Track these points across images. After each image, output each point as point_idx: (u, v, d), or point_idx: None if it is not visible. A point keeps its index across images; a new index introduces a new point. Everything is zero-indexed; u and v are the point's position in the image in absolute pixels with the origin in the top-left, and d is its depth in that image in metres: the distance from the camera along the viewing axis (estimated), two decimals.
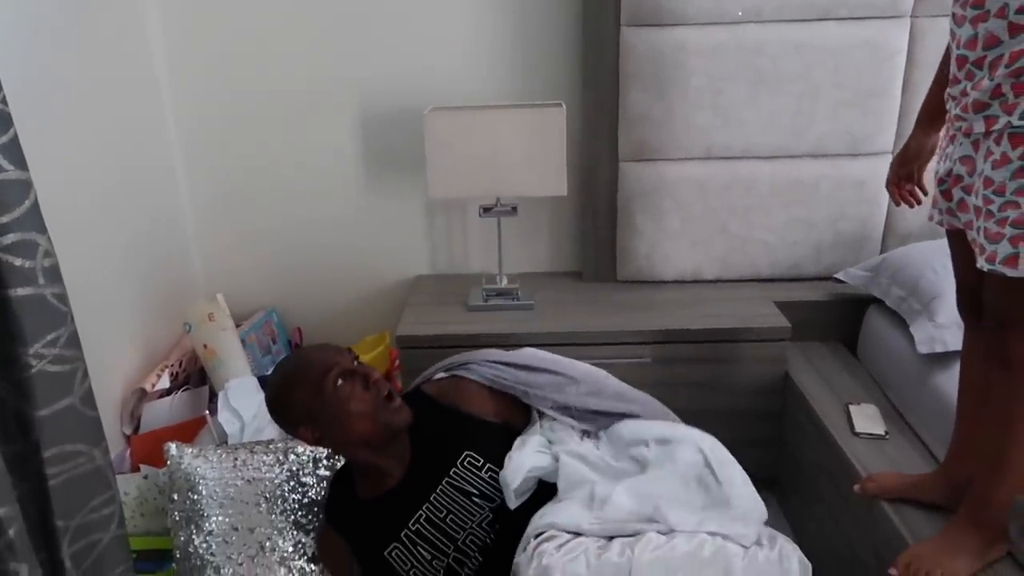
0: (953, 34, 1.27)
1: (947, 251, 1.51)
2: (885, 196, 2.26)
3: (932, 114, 1.46)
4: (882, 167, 2.25)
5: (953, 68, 1.28)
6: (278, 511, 1.59)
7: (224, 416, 1.90)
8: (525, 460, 1.39)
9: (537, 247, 2.50)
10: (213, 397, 2.06)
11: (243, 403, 1.94)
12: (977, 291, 1.39)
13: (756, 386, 2.11)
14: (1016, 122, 1.18)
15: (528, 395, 1.52)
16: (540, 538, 1.25)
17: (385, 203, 2.44)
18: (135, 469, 1.92)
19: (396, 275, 2.52)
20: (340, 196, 2.45)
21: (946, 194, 1.36)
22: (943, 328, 1.83)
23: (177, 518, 1.62)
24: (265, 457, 1.65)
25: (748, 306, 2.19)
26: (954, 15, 1.26)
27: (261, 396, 2.04)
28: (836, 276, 2.27)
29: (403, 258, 2.51)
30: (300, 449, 1.67)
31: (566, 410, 1.50)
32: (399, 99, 2.31)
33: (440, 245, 2.51)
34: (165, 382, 2.10)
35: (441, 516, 1.42)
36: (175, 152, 2.38)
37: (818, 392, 1.99)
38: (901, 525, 1.50)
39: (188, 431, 1.98)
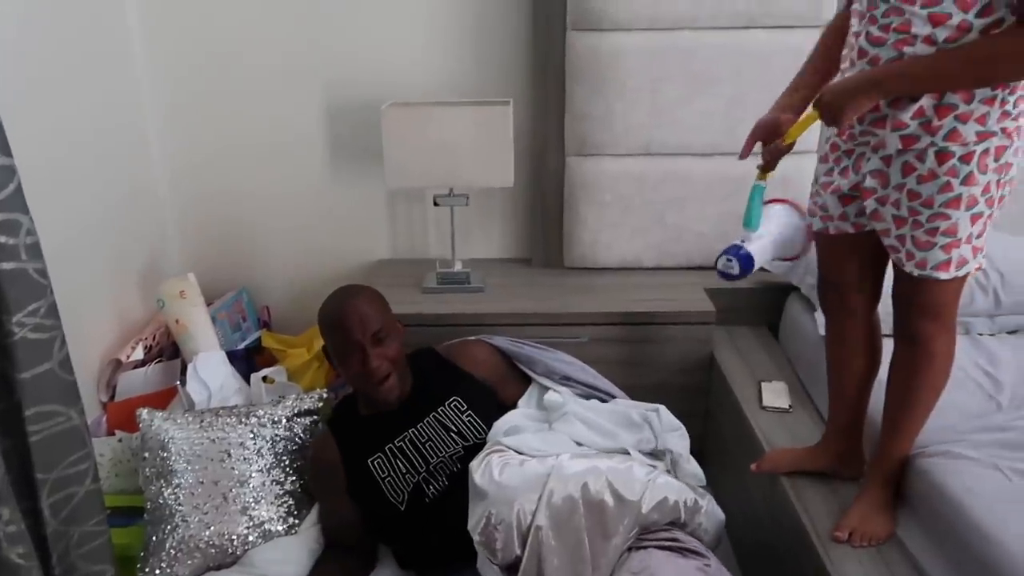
0: (864, 51, 1.34)
1: None
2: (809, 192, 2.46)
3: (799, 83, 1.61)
4: (806, 165, 2.45)
5: None
6: (240, 465, 1.77)
7: (192, 386, 2.07)
8: (514, 419, 1.72)
9: (491, 235, 2.68)
10: (185, 369, 2.22)
11: (211, 374, 2.11)
12: (840, 287, 1.58)
13: (684, 365, 2.29)
14: (940, 143, 1.31)
15: (536, 365, 1.88)
16: (491, 450, 1.58)
17: (349, 191, 2.61)
18: (110, 433, 2.09)
19: (359, 259, 2.69)
20: (308, 184, 2.61)
21: (844, 200, 1.49)
22: None
23: (148, 474, 1.79)
24: (229, 419, 1.83)
25: (680, 292, 2.38)
26: (868, 34, 1.33)
27: (228, 368, 2.21)
28: (762, 265, 2.45)
29: (366, 243, 2.68)
30: (260, 412, 1.85)
31: (567, 380, 1.87)
32: (361, 94, 2.47)
33: (400, 231, 2.68)
34: (139, 354, 2.26)
35: (422, 441, 1.69)
36: (151, 138, 2.52)
37: (737, 371, 2.18)
38: (790, 490, 1.69)
39: (161, 400, 2.14)
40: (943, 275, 1.39)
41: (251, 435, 1.82)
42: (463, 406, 1.74)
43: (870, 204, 1.44)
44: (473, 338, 1.97)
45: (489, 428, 1.70)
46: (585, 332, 2.26)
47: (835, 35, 1.52)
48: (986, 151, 1.31)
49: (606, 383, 1.94)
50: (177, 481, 1.74)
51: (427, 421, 1.72)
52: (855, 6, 1.39)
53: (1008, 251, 2.16)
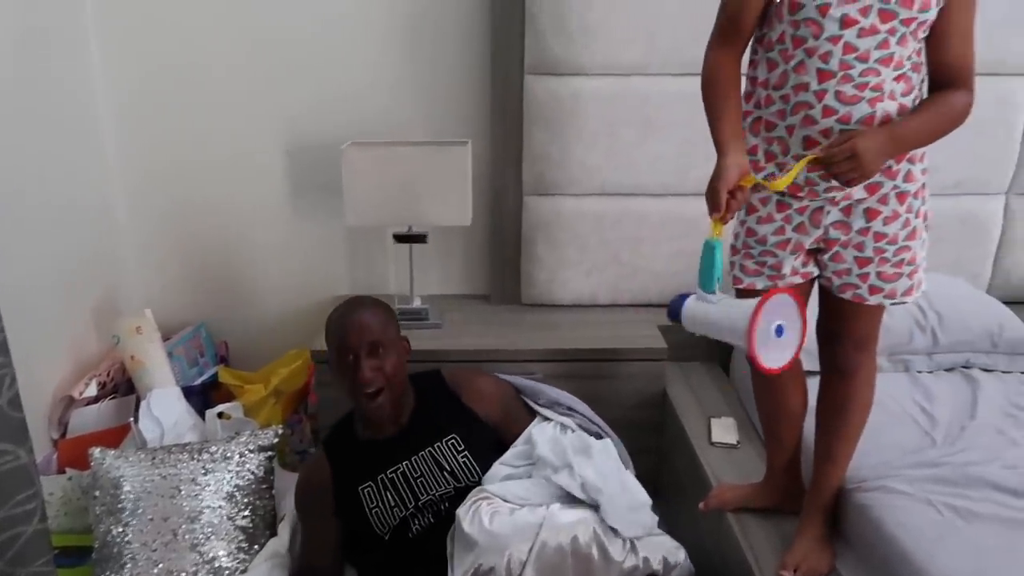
0: (832, 110, 1.36)
1: None
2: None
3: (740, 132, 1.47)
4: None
5: (819, 139, 1.39)
6: (190, 501, 1.77)
7: (145, 424, 2.06)
8: (502, 471, 1.70)
9: (449, 271, 2.72)
10: (139, 405, 2.21)
11: (164, 411, 2.10)
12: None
13: (638, 401, 2.33)
14: (902, 185, 1.43)
15: (540, 396, 1.92)
16: (478, 497, 1.58)
17: (309, 227, 2.63)
18: (61, 471, 2.07)
19: (318, 294, 2.70)
20: (268, 220, 2.63)
21: (806, 256, 1.53)
22: None
23: (98, 512, 1.77)
24: (181, 455, 1.83)
25: (634, 328, 2.43)
26: (840, 92, 1.35)
27: (183, 405, 2.20)
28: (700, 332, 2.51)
29: (325, 279, 2.70)
30: (213, 447, 1.86)
31: (571, 411, 1.91)
32: (321, 132, 2.51)
33: (360, 267, 2.71)
34: (93, 390, 2.24)
35: (414, 476, 1.69)
36: (111, 174, 2.53)
37: (688, 407, 2.23)
38: (735, 525, 1.74)
39: (114, 437, 2.12)
40: (910, 299, 1.52)
41: (203, 471, 1.82)
42: (460, 446, 1.73)
43: (831, 252, 1.51)
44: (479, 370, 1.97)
45: (484, 472, 1.69)
46: (541, 368, 2.29)
47: (736, 80, 1.49)
48: (923, 185, 1.47)
49: (600, 421, 1.96)
50: (126, 519, 1.74)
51: (422, 455, 1.72)
52: (817, 64, 1.36)
53: (946, 292, 2.26)
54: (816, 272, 1.57)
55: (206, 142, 2.53)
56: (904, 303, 1.52)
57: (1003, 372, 2.17)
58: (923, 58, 1.40)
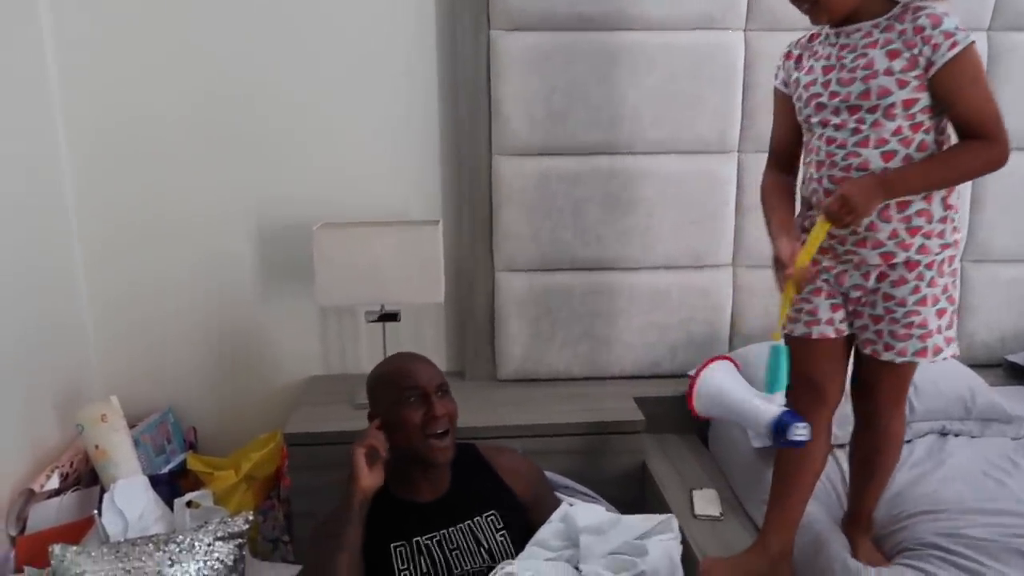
0: (831, 192, 1.58)
1: None
2: (729, 301, 2.59)
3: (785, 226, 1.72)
4: (722, 277, 2.59)
5: None
6: None
7: (108, 517, 1.97)
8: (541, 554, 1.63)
9: (423, 349, 2.62)
10: (104, 497, 2.13)
11: (129, 503, 2.02)
12: (820, 382, 1.73)
13: (617, 475, 2.31)
14: (914, 256, 1.59)
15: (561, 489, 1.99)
16: (502, 571, 1.52)
17: (280, 308, 2.62)
18: (19, 570, 1.97)
19: (290, 375, 2.66)
20: (238, 302, 2.61)
21: (834, 307, 1.70)
22: None
23: None
24: (146, 547, 1.76)
25: (611, 401, 2.42)
26: (831, 177, 1.60)
27: (150, 495, 2.12)
28: (689, 373, 2.53)
29: (297, 359, 2.66)
30: (180, 538, 1.79)
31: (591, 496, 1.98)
32: (292, 214, 2.52)
33: (332, 347, 2.68)
34: (55, 482, 2.16)
35: (450, 547, 1.62)
36: (76, 255, 2.51)
37: (668, 479, 2.21)
38: None
39: (76, 531, 2.03)
40: (922, 360, 1.64)
41: (168, 562, 1.75)
42: (499, 524, 1.67)
43: (852, 308, 1.69)
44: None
45: (517, 554, 1.63)
46: (518, 444, 2.25)
47: (782, 189, 1.78)
48: (943, 259, 1.61)
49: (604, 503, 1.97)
50: None
51: (460, 527, 1.65)
52: (813, 158, 1.66)
53: None
54: (848, 332, 1.71)
55: (173, 222, 2.52)
56: (915, 362, 1.65)
57: (972, 438, 2.21)
58: (914, 132, 1.55)
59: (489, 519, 1.68)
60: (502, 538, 1.66)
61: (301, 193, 2.53)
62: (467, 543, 1.64)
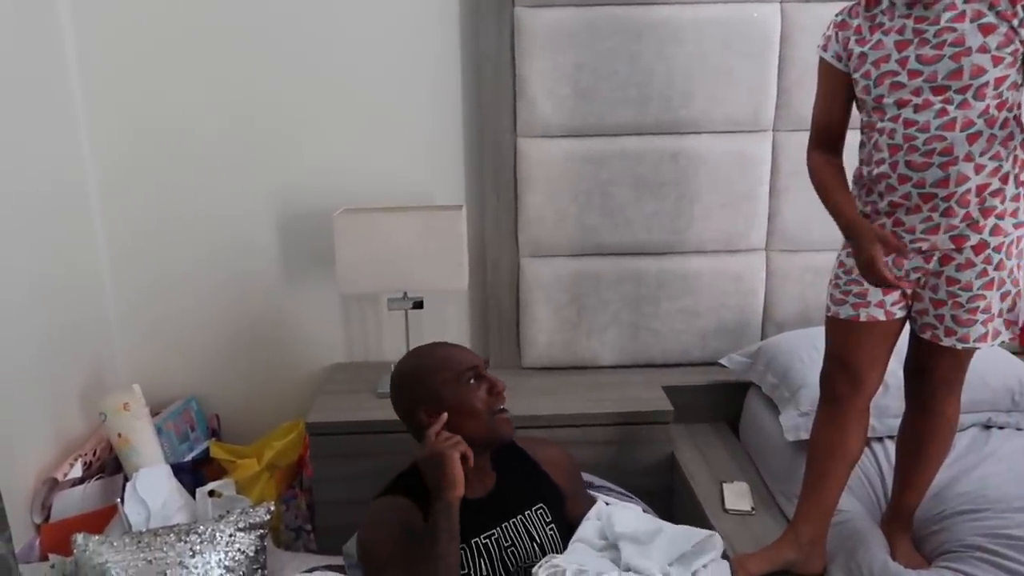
0: (907, 177, 1.51)
1: (814, 341, 1.90)
2: (762, 287, 2.50)
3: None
4: (755, 262, 2.51)
5: (915, 200, 1.52)
6: None
7: (130, 506, 1.97)
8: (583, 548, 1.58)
9: (447, 336, 2.60)
10: (126, 486, 2.12)
11: (152, 492, 2.01)
12: (857, 368, 1.64)
13: (646, 466, 2.25)
14: (987, 238, 1.51)
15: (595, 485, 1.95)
16: (548, 563, 1.48)
17: (302, 296, 2.58)
18: (44, 557, 1.97)
19: (313, 364, 2.63)
20: (260, 290, 2.58)
21: (886, 290, 1.59)
22: (808, 417, 1.94)
23: None
24: (168, 537, 1.74)
25: (639, 390, 2.36)
26: (910, 162, 1.49)
27: (172, 483, 2.11)
28: (720, 361, 2.46)
29: (320, 348, 2.63)
30: (201, 528, 1.77)
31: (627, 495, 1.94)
32: (313, 200, 2.48)
33: (355, 335, 2.65)
34: (78, 471, 2.15)
35: (505, 545, 1.58)
36: (100, 247, 2.49)
37: (698, 471, 2.15)
38: None
39: (99, 519, 2.03)
40: (983, 345, 1.57)
41: (190, 553, 1.73)
42: (548, 517, 1.63)
43: (910, 291, 1.60)
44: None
45: (565, 547, 1.59)
46: (544, 435, 2.20)
47: (837, 168, 1.67)
48: (1012, 240, 1.53)
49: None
50: None
51: (513, 522, 1.60)
52: (884, 140, 1.52)
53: None
54: (900, 315, 1.62)
55: (195, 210, 2.50)
56: (977, 348, 1.57)
57: (1018, 430, 2.10)
58: (999, 110, 1.45)
59: (539, 512, 1.63)
60: (551, 531, 1.62)
61: (322, 179, 2.48)
62: (521, 538, 1.59)
